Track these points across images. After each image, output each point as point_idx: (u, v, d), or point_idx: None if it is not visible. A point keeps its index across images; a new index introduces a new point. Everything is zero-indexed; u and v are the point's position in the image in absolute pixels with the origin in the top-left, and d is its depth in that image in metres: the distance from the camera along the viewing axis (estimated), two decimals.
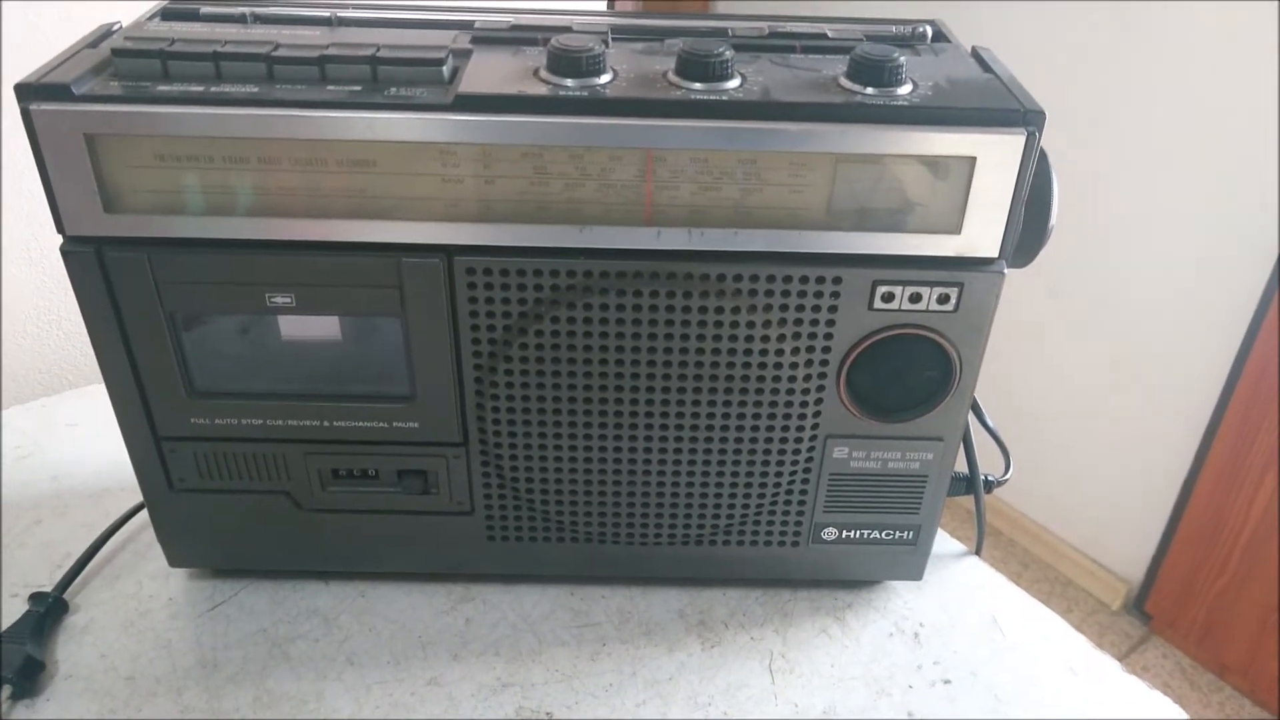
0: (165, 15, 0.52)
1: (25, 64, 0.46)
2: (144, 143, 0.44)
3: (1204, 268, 1.47)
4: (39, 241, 0.79)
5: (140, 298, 0.47)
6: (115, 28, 0.49)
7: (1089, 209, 1.56)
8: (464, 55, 0.47)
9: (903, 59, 0.45)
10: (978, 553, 0.64)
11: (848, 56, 0.47)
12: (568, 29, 0.50)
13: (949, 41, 0.52)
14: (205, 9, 0.51)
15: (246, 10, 0.51)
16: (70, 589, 0.58)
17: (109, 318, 0.48)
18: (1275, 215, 1.36)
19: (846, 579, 0.60)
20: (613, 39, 0.50)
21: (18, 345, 0.81)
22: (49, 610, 0.55)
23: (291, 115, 0.43)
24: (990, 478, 0.62)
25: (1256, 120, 1.34)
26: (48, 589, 0.57)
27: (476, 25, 0.50)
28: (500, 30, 0.49)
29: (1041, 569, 1.92)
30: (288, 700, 0.52)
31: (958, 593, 0.61)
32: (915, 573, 0.59)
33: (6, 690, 0.51)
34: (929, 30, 0.52)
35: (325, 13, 0.51)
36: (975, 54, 0.50)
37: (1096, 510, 1.80)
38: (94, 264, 0.46)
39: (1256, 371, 1.45)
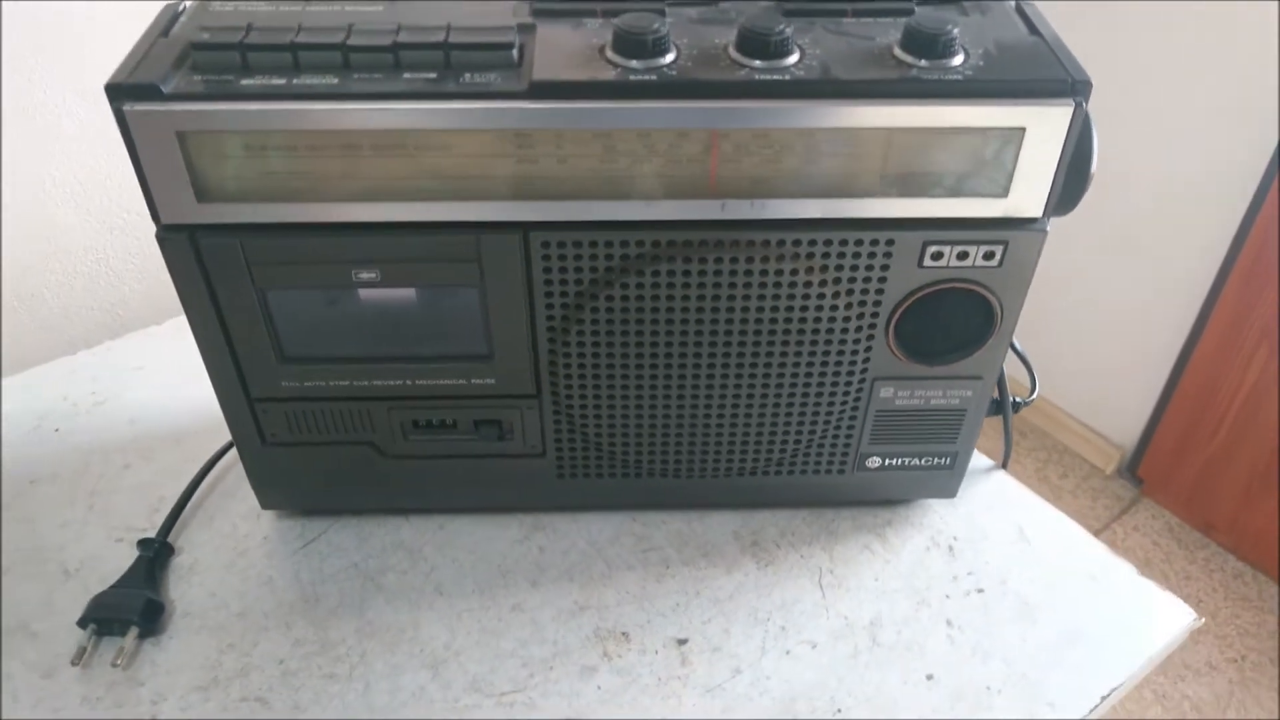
0: None
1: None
2: (232, 136, 0.46)
3: (1208, 139, 1.49)
4: (82, 184, 0.81)
5: (232, 278, 0.50)
6: (181, 9, 0.50)
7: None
8: (529, 31, 0.49)
9: (955, 31, 0.46)
10: (1004, 466, 0.69)
11: (899, 21, 0.49)
12: None
13: None
14: None
15: None
16: (171, 532, 0.63)
17: (203, 296, 0.51)
18: (1278, 89, 1.37)
19: (887, 499, 0.65)
20: (668, 4, 0.51)
21: (70, 286, 0.84)
22: (157, 554, 0.60)
23: (372, 108, 0.45)
24: (1018, 400, 0.66)
25: None
26: (149, 532, 0.62)
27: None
28: (559, 2, 0.50)
29: (1039, 437, 2.00)
30: (388, 630, 0.58)
31: (987, 506, 0.66)
32: (950, 491, 0.64)
33: (134, 631, 0.56)
34: None
35: None
36: (1019, 10, 0.52)
37: (1093, 379, 1.87)
38: (189, 249, 0.49)
39: (1258, 243, 1.48)
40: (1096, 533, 1.88)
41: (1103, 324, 1.80)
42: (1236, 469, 1.67)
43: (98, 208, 0.84)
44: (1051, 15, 0.50)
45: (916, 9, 0.51)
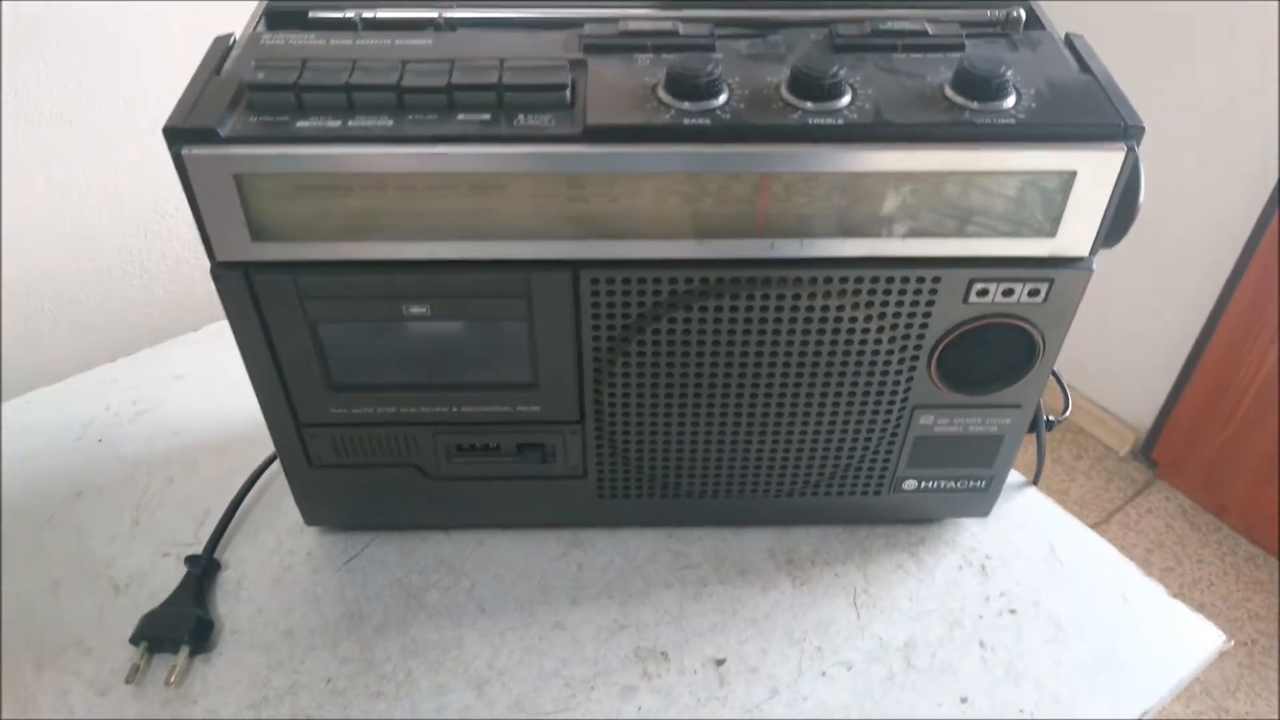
0: (271, 19, 0.52)
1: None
2: (288, 178, 0.46)
3: (1231, 126, 1.48)
4: (117, 188, 0.81)
5: (285, 312, 0.51)
6: (231, 42, 0.50)
7: (1119, 53, 1.54)
8: (580, 67, 0.49)
9: (1009, 72, 0.46)
10: (1035, 483, 0.70)
11: (950, 56, 0.49)
12: (674, 33, 0.50)
13: (1042, 27, 0.53)
14: (313, 12, 0.52)
15: (353, 13, 0.52)
16: (217, 548, 0.64)
17: (256, 329, 0.51)
18: None
19: (921, 519, 0.66)
20: (717, 37, 0.51)
21: (105, 290, 0.84)
22: (205, 571, 0.61)
23: (426, 152, 0.45)
24: (1051, 418, 0.67)
25: None
26: (196, 547, 0.63)
27: (586, 31, 0.51)
28: (610, 37, 0.50)
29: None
30: (432, 648, 0.59)
31: (1018, 524, 0.67)
32: (984, 511, 0.65)
33: (185, 649, 0.57)
34: (1022, 13, 0.53)
35: (432, 12, 0.52)
36: (1069, 44, 0.51)
37: (1109, 361, 1.87)
38: (243, 285, 0.49)
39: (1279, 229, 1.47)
40: (1110, 515, 1.89)
41: (1120, 306, 1.80)
42: (1251, 452, 1.67)
43: (131, 211, 0.84)
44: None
45: (966, 43, 0.51)
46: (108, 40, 0.76)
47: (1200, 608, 1.73)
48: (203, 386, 0.75)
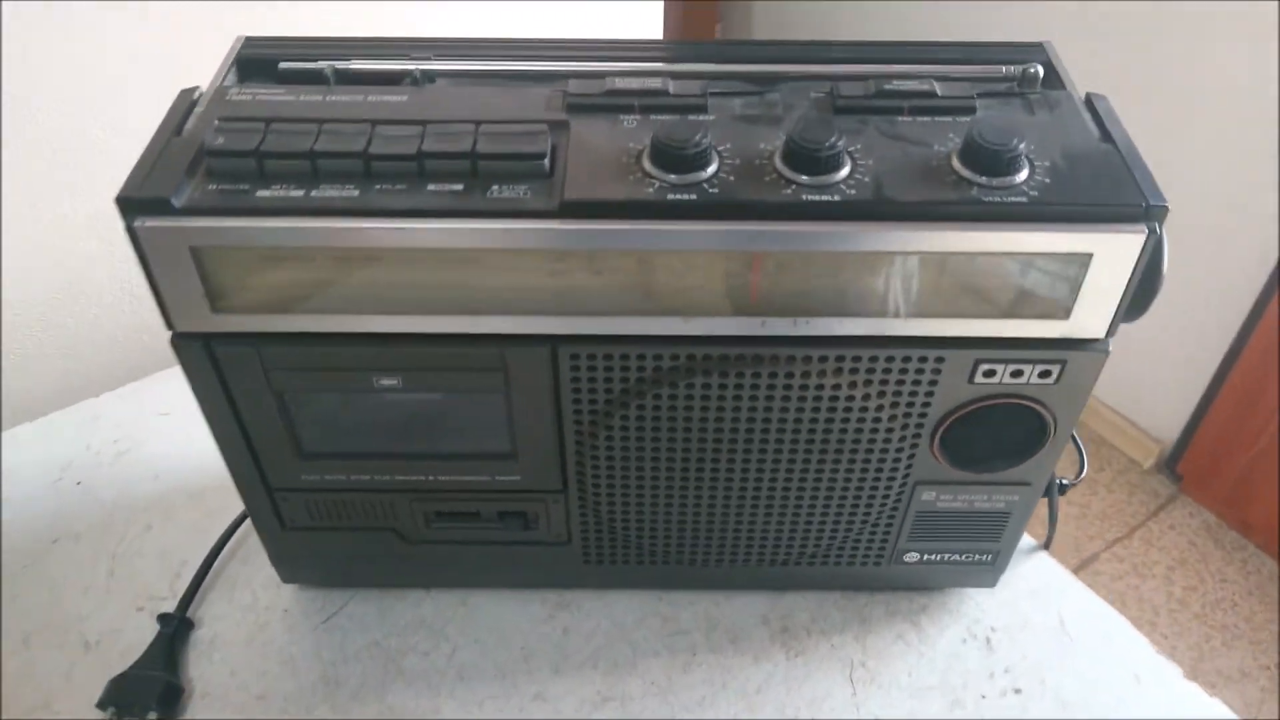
0: (242, 71, 0.50)
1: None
2: (248, 251, 0.43)
3: (1265, 136, 1.42)
4: (107, 213, 0.79)
5: (249, 382, 0.48)
6: (196, 97, 0.48)
7: (1147, 45, 1.49)
8: (561, 129, 0.46)
9: (1020, 145, 0.43)
10: (1046, 547, 0.66)
11: (959, 122, 0.46)
12: (664, 92, 0.47)
13: (1062, 86, 0.49)
14: (284, 64, 0.49)
15: (326, 65, 0.49)
16: (191, 603, 0.62)
17: (219, 398, 0.49)
18: None
19: (923, 588, 0.63)
20: (710, 94, 0.48)
21: (94, 316, 0.83)
22: (176, 631, 0.59)
23: (394, 226, 0.42)
24: (1064, 481, 0.63)
25: None
26: (170, 601, 0.61)
27: (570, 88, 0.48)
28: (595, 95, 0.47)
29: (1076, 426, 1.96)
30: (408, 717, 0.56)
31: (1027, 591, 0.64)
32: (989, 582, 0.62)
33: (153, 717, 0.55)
34: (1039, 71, 0.49)
35: (410, 65, 0.49)
36: (1090, 105, 0.48)
37: (1135, 371, 1.82)
38: (204, 355, 0.47)
39: None
40: (1132, 530, 1.85)
41: (1149, 317, 1.74)
42: (1279, 469, 1.63)
43: (121, 237, 0.82)
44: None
45: (978, 104, 0.47)
46: (96, 60, 0.73)
47: (1223, 629, 1.68)
48: (186, 425, 0.73)
